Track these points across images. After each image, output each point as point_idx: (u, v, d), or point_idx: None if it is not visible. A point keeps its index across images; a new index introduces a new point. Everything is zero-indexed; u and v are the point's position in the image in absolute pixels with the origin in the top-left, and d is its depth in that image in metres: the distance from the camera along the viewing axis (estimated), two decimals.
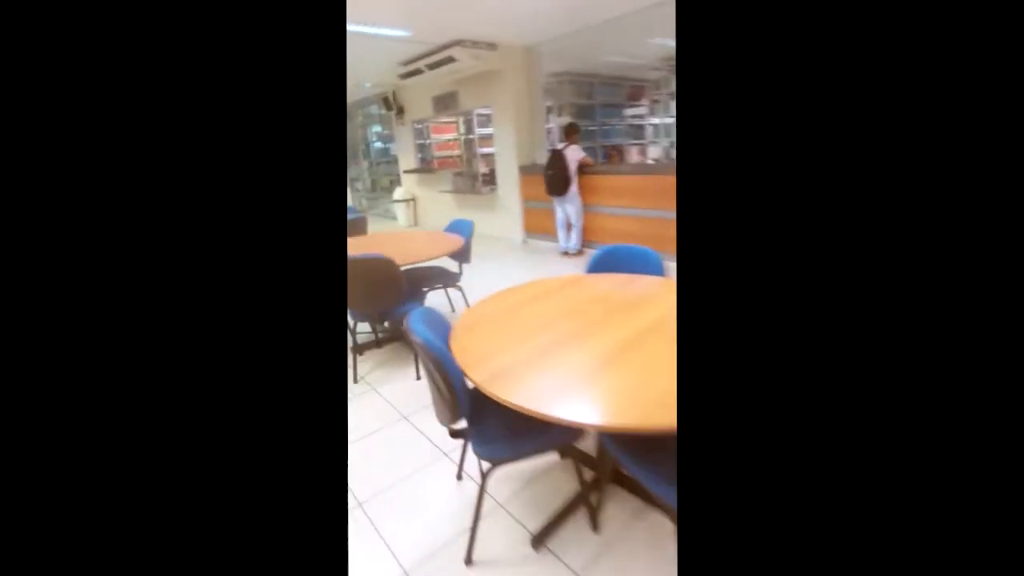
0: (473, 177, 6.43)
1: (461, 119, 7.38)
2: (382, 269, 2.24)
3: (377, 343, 2.91)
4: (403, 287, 2.34)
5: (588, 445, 1.72)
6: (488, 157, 6.73)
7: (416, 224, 7.71)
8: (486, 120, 6.75)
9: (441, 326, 1.39)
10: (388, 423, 2.10)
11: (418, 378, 2.46)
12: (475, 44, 4.65)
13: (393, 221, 8.25)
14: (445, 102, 6.20)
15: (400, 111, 7.08)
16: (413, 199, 7.59)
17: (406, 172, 7.32)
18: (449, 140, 7.73)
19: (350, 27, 3.84)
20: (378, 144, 9.34)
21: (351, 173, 9.89)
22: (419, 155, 7.32)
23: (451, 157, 7.58)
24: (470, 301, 3.22)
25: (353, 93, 7.70)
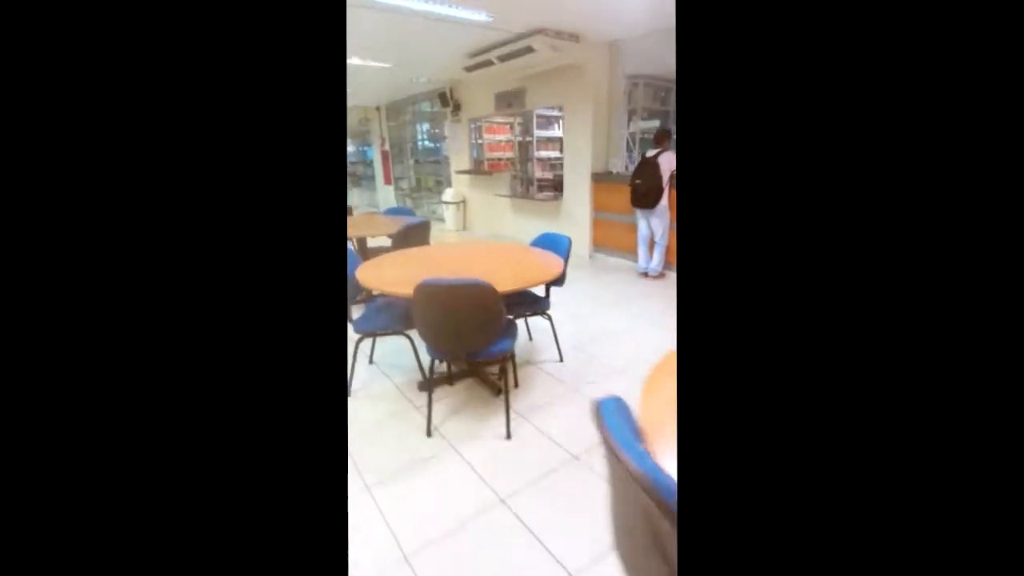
0: (528, 182, 5.97)
1: (516, 120, 6.98)
2: (478, 297, 1.73)
3: (449, 379, 2.41)
4: (502, 321, 1.82)
5: None
6: (544, 161, 6.29)
7: (465, 228, 7.25)
8: (545, 122, 6.33)
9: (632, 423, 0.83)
10: (483, 507, 1.58)
11: (508, 437, 1.94)
12: (558, 34, 4.15)
13: (440, 223, 7.83)
14: (509, 99, 5.72)
15: (456, 108, 6.64)
16: (463, 201, 7.14)
17: (459, 173, 6.86)
18: (502, 141, 7.29)
19: (425, 8, 3.40)
20: (426, 143, 8.98)
21: (396, 172, 9.54)
22: (474, 155, 6.86)
23: (503, 159, 7.13)
24: (559, 332, 2.70)
25: (405, 88, 7.33)
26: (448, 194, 7.09)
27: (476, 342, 1.83)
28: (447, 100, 6.56)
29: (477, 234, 6.98)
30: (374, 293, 2.33)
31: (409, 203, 9.44)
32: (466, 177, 6.97)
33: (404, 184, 9.54)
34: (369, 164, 11.13)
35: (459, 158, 7.03)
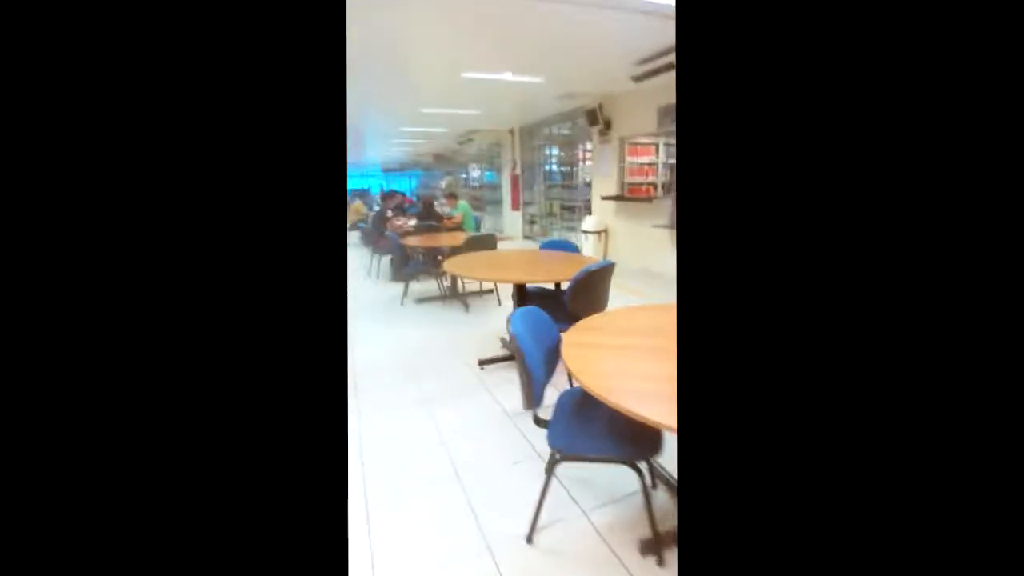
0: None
1: (661, 140, 6.07)
2: None
3: None
4: None
5: None
6: None
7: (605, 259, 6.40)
8: None
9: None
10: None
11: None
12: None
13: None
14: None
15: (607, 126, 5.89)
16: (605, 231, 6.31)
17: (605, 199, 6.07)
18: (644, 164, 6.38)
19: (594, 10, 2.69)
20: (554, 167, 8.40)
21: (524, 197, 9.07)
22: (621, 179, 6.03)
23: (644, 184, 6.21)
24: None
25: (543, 108, 6.79)
26: (589, 222, 6.31)
27: None
28: (596, 117, 5.84)
29: (622, 268, 6.09)
30: None
31: (536, 229, 8.87)
32: (611, 204, 6.15)
33: (532, 210, 9.02)
34: (495, 188, 10.89)
35: (604, 183, 6.24)
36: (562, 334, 1.55)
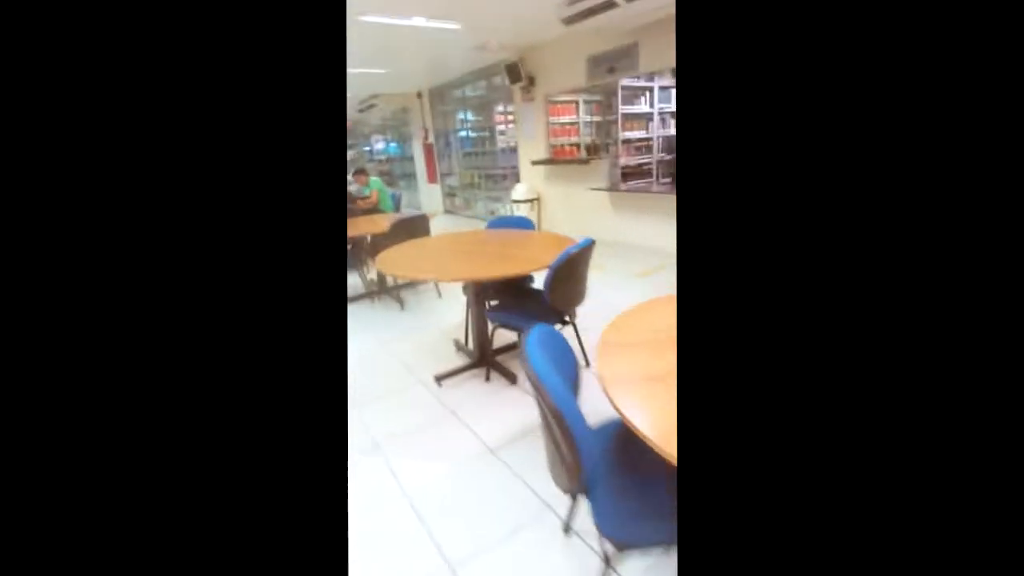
0: (619, 172, 4.69)
1: (580, 97, 5.66)
2: None
3: None
4: None
5: None
6: (630, 144, 5.00)
7: (539, 231, 5.96)
8: (631, 95, 5.00)
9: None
10: None
11: None
12: None
13: None
14: (611, 62, 4.38)
15: (530, 82, 5.33)
16: (538, 198, 5.85)
17: (536, 163, 5.57)
18: (566, 124, 5.96)
19: None
20: (470, 133, 7.71)
21: (441, 168, 8.30)
22: (548, 142, 5.55)
23: (568, 145, 5.79)
24: None
25: (454, 67, 6.06)
26: (519, 190, 5.80)
27: None
28: (518, 73, 5.25)
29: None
30: None
31: (459, 203, 8.20)
32: (541, 169, 5.67)
33: (452, 181, 8.29)
34: (406, 161, 9.93)
35: (533, 145, 5.73)
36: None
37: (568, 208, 5.45)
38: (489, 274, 1.94)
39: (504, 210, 6.92)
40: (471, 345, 2.62)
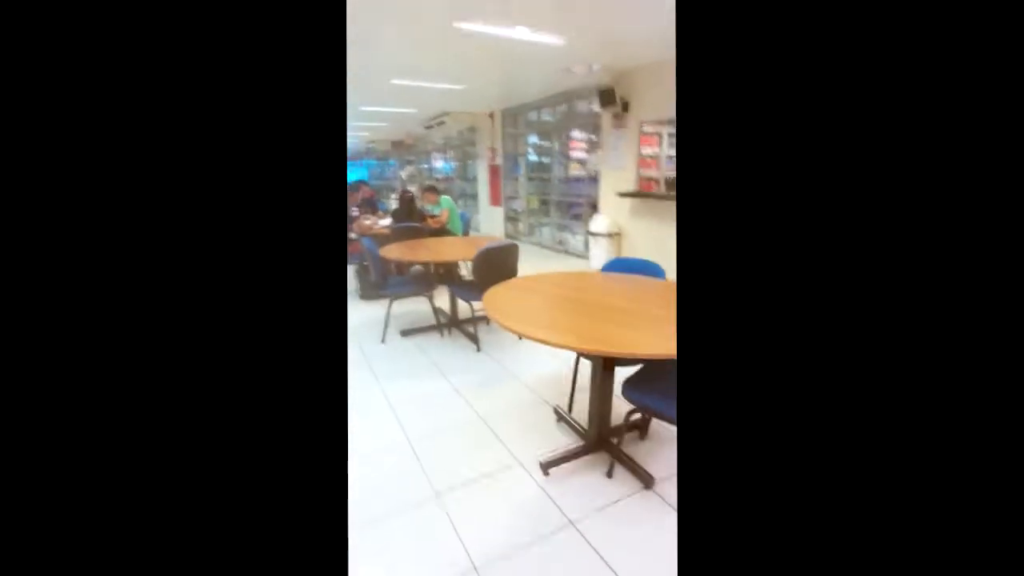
0: None
1: (665, 130, 5.15)
2: None
3: None
4: None
5: None
6: None
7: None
8: None
9: None
10: None
11: None
12: None
13: (575, 259, 6.07)
14: None
15: (624, 108, 4.88)
16: (619, 233, 5.32)
17: (623, 195, 5.07)
18: (649, 156, 5.45)
19: None
20: (532, 158, 7.32)
21: (507, 191, 7.94)
22: (640, 172, 5.05)
23: (651, 179, 5.26)
24: None
25: (527, 89, 5.70)
26: (599, 222, 5.29)
27: None
28: (612, 97, 4.81)
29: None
30: None
31: (522, 228, 7.79)
32: (627, 203, 5.16)
33: (517, 206, 7.90)
34: (469, 181, 9.67)
35: (619, 175, 5.23)
36: None
37: (655, 248, 4.89)
38: (632, 348, 1.39)
39: (574, 241, 6.43)
40: (572, 411, 2.08)
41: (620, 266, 2.32)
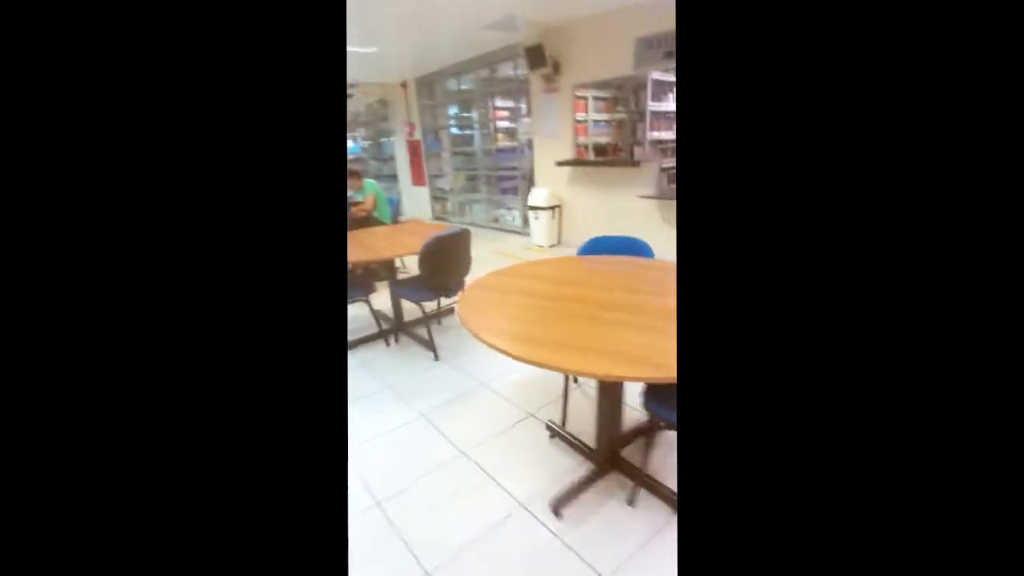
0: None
1: (590, 93, 4.90)
2: None
3: None
4: None
5: None
6: (655, 145, 4.33)
7: (560, 242, 5.16)
8: (659, 91, 4.32)
9: None
10: None
11: None
12: None
13: (515, 236, 5.73)
14: (670, 46, 3.64)
15: (555, 70, 4.52)
16: (559, 206, 5.04)
17: (561, 164, 4.76)
18: (581, 121, 5.20)
19: None
20: (454, 130, 6.81)
21: (430, 169, 7.35)
22: (576, 139, 4.77)
23: (579, 146, 5.01)
24: None
25: (445, 54, 5.17)
26: (540, 196, 4.97)
27: None
28: (541, 58, 4.42)
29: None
30: None
31: (450, 208, 7.28)
32: (565, 172, 4.88)
33: (442, 184, 7.35)
34: (385, 161, 8.88)
35: (556, 144, 4.91)
36: None
37: (601, 219, 4.68)
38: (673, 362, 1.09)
39: (510, 217, 6.08)
40: (566, 423, 1.78)
41: (600, 247, 2.01)
